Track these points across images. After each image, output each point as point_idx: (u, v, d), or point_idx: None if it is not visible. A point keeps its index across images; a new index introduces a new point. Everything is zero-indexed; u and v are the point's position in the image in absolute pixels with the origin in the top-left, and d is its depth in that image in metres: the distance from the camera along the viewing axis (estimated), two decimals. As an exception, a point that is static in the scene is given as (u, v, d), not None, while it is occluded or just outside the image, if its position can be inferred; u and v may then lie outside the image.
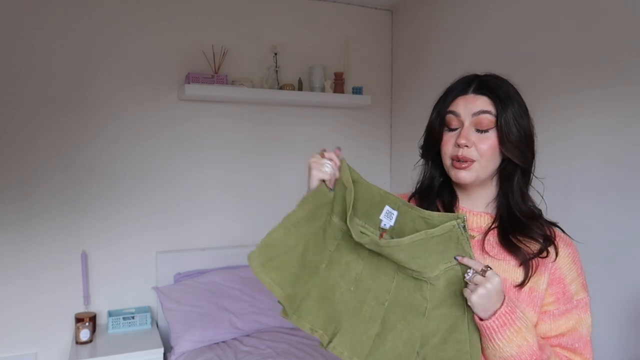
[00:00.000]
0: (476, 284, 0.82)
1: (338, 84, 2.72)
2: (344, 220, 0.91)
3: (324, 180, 0.89)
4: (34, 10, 2.23)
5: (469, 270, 0.84)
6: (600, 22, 1.68)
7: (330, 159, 0.90)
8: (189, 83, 2.34)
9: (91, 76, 2.35)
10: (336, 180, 0.91)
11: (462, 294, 0.85)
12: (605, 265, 1.67)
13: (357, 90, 2.78)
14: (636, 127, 1.57)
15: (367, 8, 2.95)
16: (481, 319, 0.84)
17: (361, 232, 0.91)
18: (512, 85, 0.95)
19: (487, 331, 0.83)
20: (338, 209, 0.93)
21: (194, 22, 2.53)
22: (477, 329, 0.86)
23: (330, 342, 0.89)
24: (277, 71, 2.66)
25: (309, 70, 2.73)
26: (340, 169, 0.90)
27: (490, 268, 0.83)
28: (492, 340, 0.83)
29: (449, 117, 0.94)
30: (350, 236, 0.91)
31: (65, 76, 2.30)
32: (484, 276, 0.82)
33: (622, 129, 1.61)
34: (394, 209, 0.90)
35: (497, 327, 0.82)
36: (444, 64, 2.54)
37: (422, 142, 1.02)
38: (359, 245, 0.91)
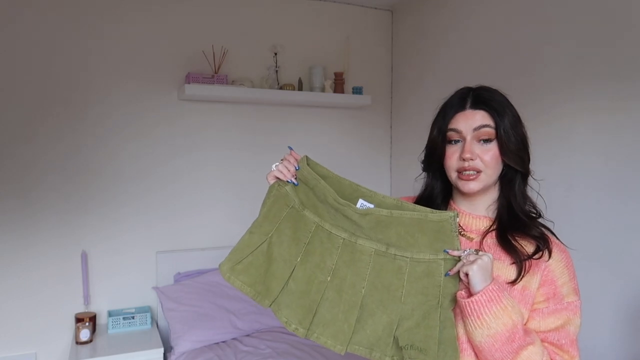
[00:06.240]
0: (472, 260, 0.87)
1: (338, 84, 2.72)
2: (316, 213, 0.99)
3: (278, 179, 1.01)
4: (33, 10, 2.22)
5: (465, 251, 0.90)
6: (600, 20, 1.68)
7: (285, 159, 1.01)
8: (189, 83, 2.34)
9: (91, 75, 2.35)
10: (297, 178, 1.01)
11: (438, 286, 0.92)
12: (605, 265, 1.68)
13: (357, 90, 2.77)
14: (637, 126, 1.57)
15: (367, 8, 2.95)
16: (470, 296, 0.88)
17: (360, 208, 0.96)
18: (503, 95, 1.00)
19: (476, 306, 0.86)
20: (308, 203, 1.00)
21: (194, 22, 2.53)
22: (451, 319, 0.91)
23: (309, 331, 0.96)
24: (277, 71, 2.66)
25: (309, 70, 2.73)
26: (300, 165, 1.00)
27: (480, 251, 0.91)
28: (480, 316, 0.86)
29: (450, 133, 0.98)
30: (324, 227, 0.98)
31: (65, 75, 2.30)
32: (477, 254, 0.89)
33: (624, 128, 1.61)
34: (369, 202, 0.96)
35: (485, 302, 0.86)
36: (444, 63, 2.54)
37: (423, 158, 1.07)
38: (332, 235, 0.99)
